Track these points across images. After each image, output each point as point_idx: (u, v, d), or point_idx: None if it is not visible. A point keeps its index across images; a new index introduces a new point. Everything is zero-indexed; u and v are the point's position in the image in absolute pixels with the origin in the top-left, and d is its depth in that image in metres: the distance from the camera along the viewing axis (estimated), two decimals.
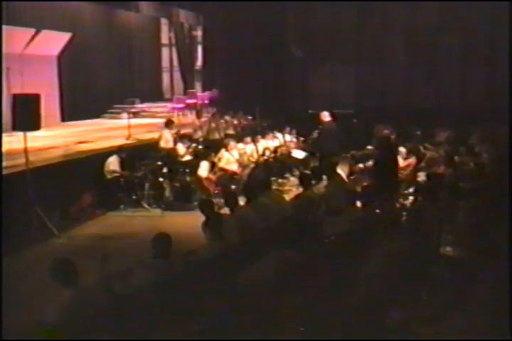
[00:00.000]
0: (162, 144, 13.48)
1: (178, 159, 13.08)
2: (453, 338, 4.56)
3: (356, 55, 23.37)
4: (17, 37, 15.26)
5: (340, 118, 21.33)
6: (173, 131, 14.16)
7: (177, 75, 25.34)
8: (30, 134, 9.85)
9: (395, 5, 22.71)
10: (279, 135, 16.50)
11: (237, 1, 20.93)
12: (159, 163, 12.17)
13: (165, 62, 26.03)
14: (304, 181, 8.90)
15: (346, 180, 10.51)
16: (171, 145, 13.52)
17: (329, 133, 13.80)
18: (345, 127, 19.86)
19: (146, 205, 11.54)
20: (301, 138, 16.96)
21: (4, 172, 9.65)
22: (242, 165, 13.14)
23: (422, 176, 10.67)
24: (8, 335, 5.11)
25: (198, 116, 19.28)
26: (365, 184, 9.93)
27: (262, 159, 14.02)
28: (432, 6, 22.28)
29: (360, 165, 12.24)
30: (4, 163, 9.95)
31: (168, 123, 13.97)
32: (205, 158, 12.51)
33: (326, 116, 13.82)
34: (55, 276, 4.83)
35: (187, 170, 12.25)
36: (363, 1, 22.65)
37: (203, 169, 12.14)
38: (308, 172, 10.12)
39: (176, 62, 25.44)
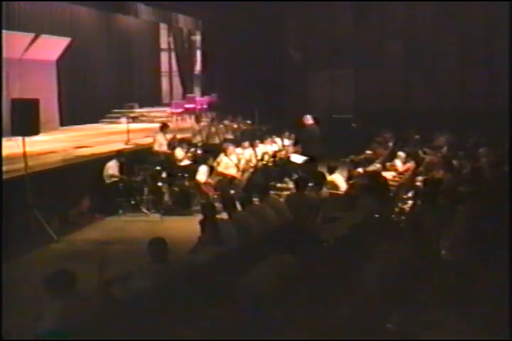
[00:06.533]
0: (156, 147, 13.51)
1: (177, 164, 13.08)
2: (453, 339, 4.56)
3: (355, 60, 23.39)
4: (16, 41, 15.27)
5: (340, 122, 21.50)
6: (168, 135, 14.17)
7: (176, 80, 25.41)
8: (29, 139, 9.86)
9: (394, 9, 22.77)
10: (277, 139, 16.51)
11: (237, 0, 20.93)
12: (158, 167, 12.16)
13: (164, 67, 26.09)
14: (299, 185, 8.88)
15: (344, 184, 10.53)
16: (164, 148, 13.56)
17: (311, 136, 13.91)
18: (345, 131, 19.98)
19: (145, 210, 11.54)
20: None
21: (3, 176, 9.65)
22: (240, 169, 13.13)
23: (420, 180, 10.67)
24: (8, 336, 5.12)
25: (197, 120, 19.31)
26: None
27: (260, 164, 14.01)
28: (430, 9, 22.32)
29: (360, 170, 12.25)
30: (3, 168, 9.95)
31: (163, 128, 13.99)
32: (204, 163, 12.51)
33: (308, 120, 13.97)
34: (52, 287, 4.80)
35: (186, 175, 12.25)
36: (363, 0, 22.67)
37: (202, 173, 12.14)
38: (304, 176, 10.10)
39: (174, 67, 25.50)
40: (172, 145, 13.86)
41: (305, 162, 13.73)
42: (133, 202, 11.62)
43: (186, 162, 13.27)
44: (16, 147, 9.97)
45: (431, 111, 21.34)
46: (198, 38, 25.30)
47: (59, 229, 9.94)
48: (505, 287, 4.73)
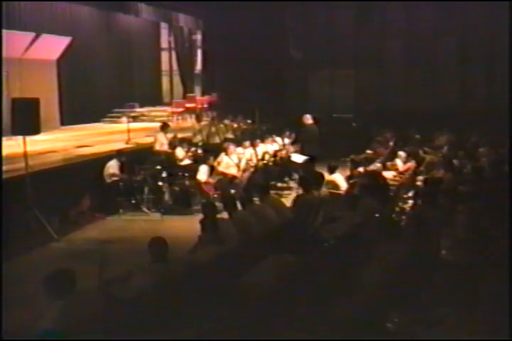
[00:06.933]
0: (157, 147, 13.53)
1: (178, 163, 13.09)
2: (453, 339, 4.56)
3: (355, 59, 23.38)
4: (17, 41, 15.28)
5: (340, 122, 21.50)
6: (169, 134, 14.18)
7: (176, 79, 25.40)
8: (29, 138, 9.86)
9: (394, 10, 22.77)
10: (278, 139, 16.50)
11: (237, 0, 20.92)
12: (158, 167, 12.16)
13: (164, 66, 26.09)
14: (304, 186, 8.89)
15: (344, 184, 10.54)
16: (165, 148, 13.57)
17: (310, 136, 13.91)
18: (345, 131, 19.97)
19: (145, 209, 11.54)
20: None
21: (4, 176, 9.66)
22: (241, 169, 13.13)
23: (421, 180, 10.68)
24: (9, 336, 5.12)
25: (198, 120, 19.30)
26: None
27: (261, 163, 14.00)
28: (430, 9, 22.31)
29: (360, 169, 12.25)
30: (4, 167, 9.96)
31: (164, 127, 14.01)
32: (205, 162, 12.50)
33: (308, 119, 13.99)
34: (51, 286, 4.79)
35: (186, 174, 12.25)
36: (364, 0, 22.67)
37: (202, 173, 12.14)
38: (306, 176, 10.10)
39: (175, 66, 25.50)
40: (173, 144, 13.87)
41: (305, 161, 13.72)
42: (133, 202, 11.62)
43: (187, 161, 13.28)
44: (17, 146, 9.97)
45: (431, 110, 21.33)
46: (198, 37, 25.30)
47: (59, 228, 9.93)
48: (506, 287, 4.73)
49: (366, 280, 5.32)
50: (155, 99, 24.40)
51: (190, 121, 20.22)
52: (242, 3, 21.05)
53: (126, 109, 20.67)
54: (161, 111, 21.62)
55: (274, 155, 14.77)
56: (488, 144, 13.99)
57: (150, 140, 14.68)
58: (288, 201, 9.90)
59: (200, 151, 14.01)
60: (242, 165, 13.23)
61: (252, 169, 13.37)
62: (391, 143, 16.12)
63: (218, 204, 8.25)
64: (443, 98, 22.30)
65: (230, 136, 17.22)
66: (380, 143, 16.38)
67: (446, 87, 22.49)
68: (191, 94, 23.10)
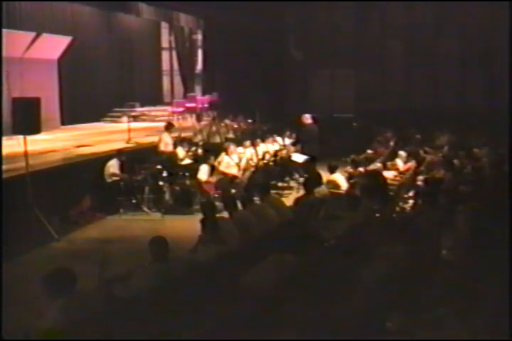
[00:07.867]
0: (162, 147, 13.49)
1: (178, 163, 13.09)
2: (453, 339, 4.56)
3: (356, 59, 23.39)
4: (17, 40, 15.28)
5: (341, 122, 21.51)
6: (173, 134, 14.18)
7: (177, 79, 25.41)
8: (30, 138, 9.85)
9: (394, 9, 22.77)
10: (278, 139, 16.50)
11: (238, 0, 20.92)
12: (159, 166, 12.16)
13: (165, 66, 26.11)
14: (306, 186, 8.91)
15: (345, 183, 10.55)
16: (170, 148, 13.53)
17: (309, 136, 13.91)
18: (346, 131, 19.97)
19: (145, 209, 11.54)
20: None
21: (4, 175, 9.66)
22: (242, 168, 13.13)
23: (421, 180, 10.68)
24: (9, 336, 5.12)
25: (198, 119, 19.31)
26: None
27: (261, 163, 14.00)
28: (430, 9, 22.32)
29: (361, 169, 12.26)
30: (4, 167, 9.96)
31: (168, 127, 13.98)
32: (205, 162, 12.51)
33: (307, 119, 13.96)
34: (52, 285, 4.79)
35: (187, 174, 12.26)
36: (364, 0, 22.68)
37: (203, 173, 12.15)
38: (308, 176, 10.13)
39: (176, 66, 25.51)
40: (174, 144, 13.86)
41: (306, 161, 13.72)
42: (134, 201, 11.62)
43: (187, 161, 13.28)
44: (17, 146, 9.97)
45: (431, 110, 21.33)
46: (199, 37, 25.30)
47: (60, 228, 9.94)
48: (506, 287, 4.73)
49: (366, 280, 5.32)
50: (155, 98, 24.42)
51: (190, 120, 20.23)
52: (243, 3, 21.04)
53: (127, 108, 20.68)
54: (161, 111, 21.65)
55: (275, 154, 14.77)
56: (488, 144, 13.99)
57: (150, 139, 14.69)
58: (288, 201, 9.91)
59: (200, 151, 14.02)
60: (243, 164, 13.23)
61: (252, 169, 13.38)
62: (391, 143, 16.12)
63: (219, 204, 8.26)
64: (443, 98, 22.30)
65: (230, 135, 17.23)
66: (380, 142, 16.37)
67: (446, 86, 22.49)
68: (192, 94, 23.10)
